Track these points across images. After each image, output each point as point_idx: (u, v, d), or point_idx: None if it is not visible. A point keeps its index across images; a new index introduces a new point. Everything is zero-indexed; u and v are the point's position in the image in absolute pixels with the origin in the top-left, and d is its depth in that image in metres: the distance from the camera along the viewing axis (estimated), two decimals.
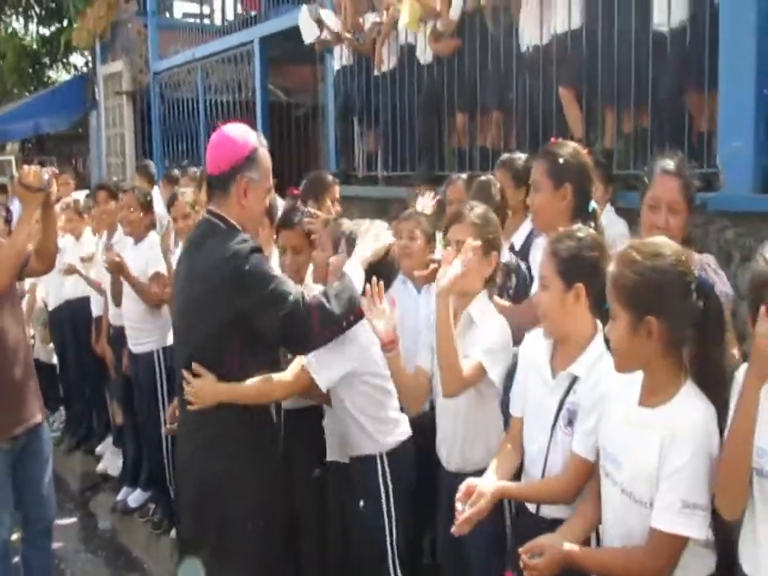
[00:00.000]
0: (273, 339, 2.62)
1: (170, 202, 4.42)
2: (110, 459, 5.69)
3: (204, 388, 2.56)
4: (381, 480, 2.79)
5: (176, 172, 6.55)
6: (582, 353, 2.22)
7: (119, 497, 5.12)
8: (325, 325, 2.53)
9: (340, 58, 6.79)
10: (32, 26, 16.46)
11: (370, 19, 6.37)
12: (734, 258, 4.06)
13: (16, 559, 3.77)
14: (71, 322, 5.89)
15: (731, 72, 3.94)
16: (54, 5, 14.43)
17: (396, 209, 4.55)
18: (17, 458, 3.49)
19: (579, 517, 2.11)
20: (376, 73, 6.33)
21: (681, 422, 1.84)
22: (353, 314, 2.59)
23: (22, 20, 16.46)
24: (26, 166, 3.41)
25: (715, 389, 1.87)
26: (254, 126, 8.18)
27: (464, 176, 4.21)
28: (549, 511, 2.27)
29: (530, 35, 5.07)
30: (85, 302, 5.69)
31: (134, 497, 5.02)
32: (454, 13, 5.47)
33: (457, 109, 5.66)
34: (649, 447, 1.86)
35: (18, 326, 3.52)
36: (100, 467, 5.78)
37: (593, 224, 2.68)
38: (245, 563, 2.62)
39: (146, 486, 4.95)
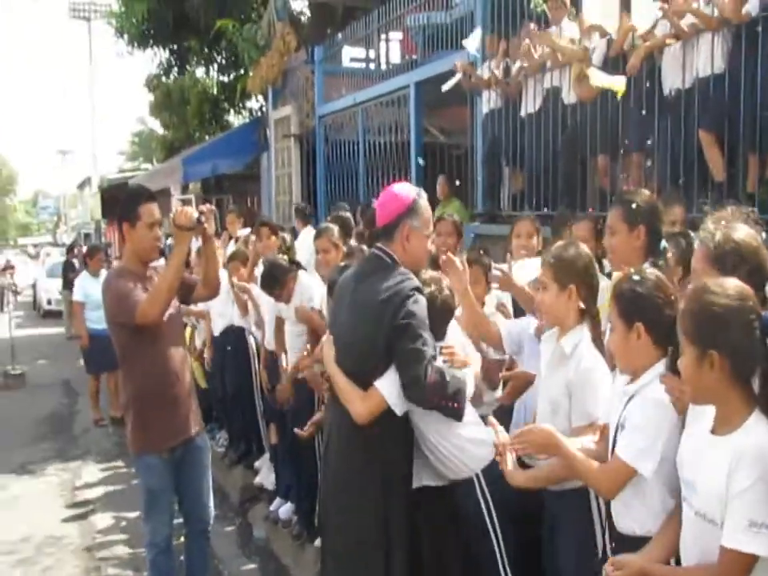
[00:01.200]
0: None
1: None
2: (266, 474, 6.18)
3: None
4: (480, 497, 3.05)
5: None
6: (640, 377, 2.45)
7: (271, 508, 5.58)
8: (435, 394, 2.90)
9: (488, 101, 7.10)
10: (213, 74, 17.86)
11: (518, 64, 6.65)
12: None
13: (181, 558, 4.27)
14: (233, 347, 6.49)
15: None
16: (232, 54, 15.60)
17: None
18: (177, 466, 3.93)
19: (660, 540, 2.27)
20: (522, 114, 6.57)
21: (748, 447, 1.96)
22: (458, 402, 2.94)
23: (203, 69, 17.90)
24: (178, 207, 3.89)
25: None
26: (408, 166, 8.69)
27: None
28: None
29: (672, 78, 5.17)
30: (243, 330, 6.30)
31: (284, 509, 5.45)
32: (596, 59, 5.65)
33: (599, 150, 5.80)
34: (719, 471, 1.99)
35: (179, 346, 3.99)
36: (257, 480, 6.29)
37: (662, 262, 2.92)
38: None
39: (295, 500, 5.37)
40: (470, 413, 3.14)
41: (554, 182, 6.26)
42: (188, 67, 17.93)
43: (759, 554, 1.94)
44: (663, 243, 3.11)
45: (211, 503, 4.20)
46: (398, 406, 2.98)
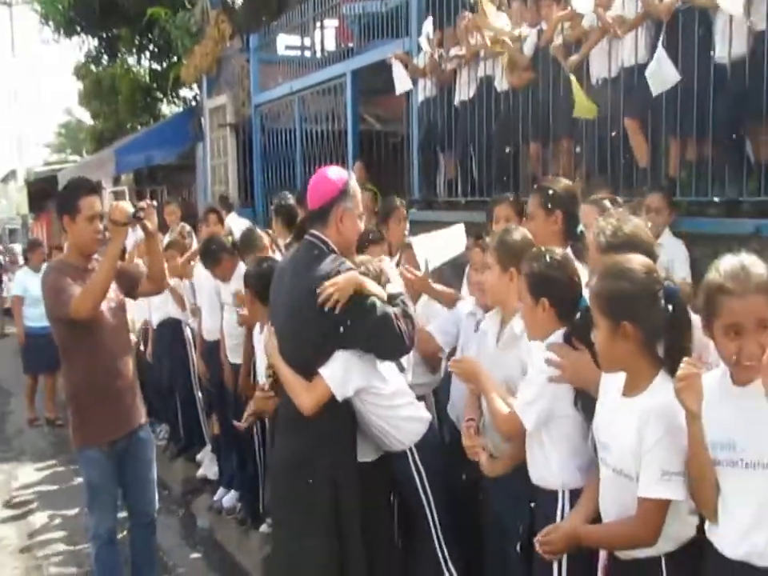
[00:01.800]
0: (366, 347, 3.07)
1: None
2: (208, 465, 6.19)
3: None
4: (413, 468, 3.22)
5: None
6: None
7: (215, 498, 5.61)
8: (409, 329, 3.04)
9: (423, 89, 7.18)
10: (145, 62, 17.55)
11: (453, 52, 6.74)
12: None
13: (125, 550, 4.27)
14: (170, 339, 6.47)
15: None
16: (164, 42, 15.36)
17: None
18: (120, 459, 3.94)
19: (583, 504, 2.48)
20: (456, 102, 6.68)
21: (655, 406, 2.16)
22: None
23: (135, 57, 17.56)
24: (113, 203, 3.88)
25: None
26: (345, 154, 8.71)
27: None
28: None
29: (599, 68, 5.32)
30: (180, 322, 6.30)
31: (228, 497, 5.50)
32: (527, 49, 5.77)
33: (531, 137, 5.94)
34: (631, 429, 2.18)
35: (121, 340, 3.98)
36: (200, 473, 6.30)
37: (581, 245, 3.08)
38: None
39: (239, 488, 5.41)
40: (406, 393, 3.26)
41: (487, 168, 6.39)
42: (118, 55, 17.58)
43: (673, 499, 2.13)
44: (581, 227, 3.27)
45: (155, 496, 4.21)
46: (341, 393, 3.06)
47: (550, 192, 3.26)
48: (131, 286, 4.08)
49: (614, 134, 5.11)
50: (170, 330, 6.46)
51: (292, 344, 3.13)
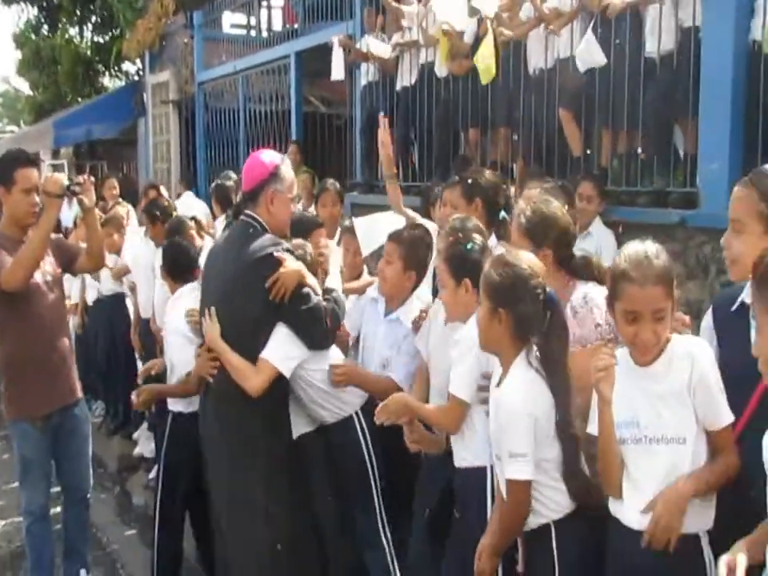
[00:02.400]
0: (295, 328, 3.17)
1: None
2: (145, 443, 6.19)
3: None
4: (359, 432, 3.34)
5: None
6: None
7: (150, 475, 5.62)
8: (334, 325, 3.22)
9: (366, 74, 7.24)
10: (87, 34, 17.15)
11: (395, 39, 6.81)
12: (711, 271, 4.40)
13: (58, 526, 4.28)
14: (108, 317, 6.45)
15: (710, 100, 4.29)
16: (107, 14, 15.05)
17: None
18: (55, 434, 3.91)
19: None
20: (398, 88, 6.75)
21: (502, 395, 2.37)
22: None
23: (76, 28, 17.15)
24: (47, 174, 3.83)
25: (552, 375, 2.36)
26: (289, 135, 8.69)
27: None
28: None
29: (536, 58, 5.46)
30: (119, 298, 6.27)
31: None
32: (467, 37, 5.87)
33: (470, 124, 6.06)
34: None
35: (57, 314, 3.93)
36: (136, 451, 6.30)
37: (504, 232, 3.24)
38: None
39: None
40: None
41: (428, 154, 6.49)
42: (59, 26, 17.14)
43: (521, 479, 2.32)
44: (503, 214, 3.41)
45: (89, 472, 4.21)
46: (287, 368, 3.16)
47: (470, 182, 3.43)
48: (69, 261, 4.03)
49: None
50: (108, 306, 6.43)
51: (230, 322, 3.17)
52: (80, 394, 4.10)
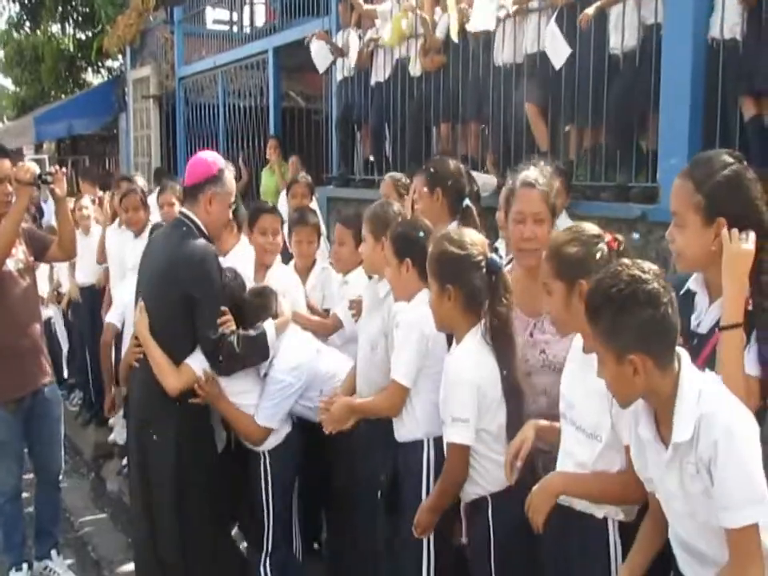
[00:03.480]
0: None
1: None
2: (120, 431, 6.23)
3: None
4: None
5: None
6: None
7: (124, 462, 5.68)
8: (229, 362, 3.27)
9: (342, 69, 7.33)
10: (69, 30, 17.15)
11: (369, 34, 6.91)
12: (670, 263, 4.51)
13: (30, 509, 4.36)
14: (88, 306, 6.51)
15: (670, 96, 4.39)
16: (89, 11, 15.05)
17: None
18: (26, 417, 4.03)
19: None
20: (372, 83, 6.85)
21: (450, 362, 2.55)
22: (260, 356, 3.34)
23: (58, 25, 17.14)
24: (20, 163, 3.95)
25: (498, 338, 2.51)
26: (267, 130, 8.74)
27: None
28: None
29: (505, 54, 5.56)
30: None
31: None
32: (440, 32, 5.97)
33: (441, 119, 6.16)
34: None
35: (28, 301, 4.04)
36: (111, 437, 6.35)
37: (469, 219, 3.36)
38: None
39: None
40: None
41: (401, 148, 6.58)
42: (41, 23, 17.13)
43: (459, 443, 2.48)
44: (466, 202, 3.50)
45: (61, 454, 4.32)
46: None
47: (432, 170, 3.53)
48: (41, 250, 4.14)
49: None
50: (87, 294, 6.50)
51: (155, 316, 3.32)
52: (50, 377, 4.20)
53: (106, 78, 16.74)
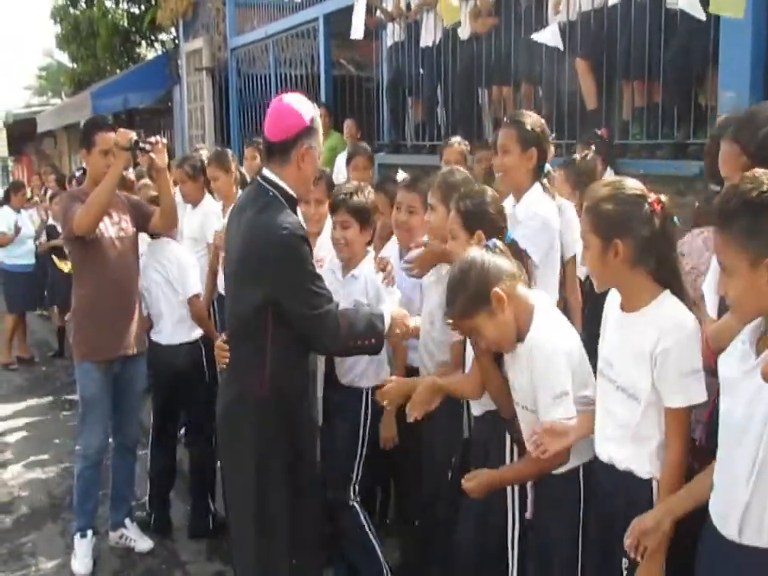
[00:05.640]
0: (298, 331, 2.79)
1: None
2: None
3: None
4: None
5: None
6: None
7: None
8: (351, 337, 2.82)
9: (392, 34, 7.23)
10: (123, 5, 17.30)
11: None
12: None
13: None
14: None
15: (730, 50, 4.22)
16: None
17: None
18: (115, 381, 4.19)
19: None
20: (422, 46, 6.74)
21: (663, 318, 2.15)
22: (374, 339, 2.89)
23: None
24: (121, 130, 4.05)
25: (675, 285, 2.18)
26: (318, 99, 8.68)
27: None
28: None
29: (562, 11, 5.40)
30: None
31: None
32: None
33: (493, 82, 6.04)
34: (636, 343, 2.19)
35: (128, 270, 4.19)
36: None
37: (547, 183, 3.20)
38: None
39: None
40: None
41: (453, 112, 6.49)
42: None
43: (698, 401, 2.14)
44: (547, 166, 3.34)
45: (138, 426, 4.52)
46: None
47: (528, 128, 3.17)
48: (143, 220, 4.27)
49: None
50: None
51: (237, 295, 2.91)
52: (143, 349, 4.33)
53: (159, 52, 16.87)
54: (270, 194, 2.78)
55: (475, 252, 2.50)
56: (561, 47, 4.84)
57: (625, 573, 2.15)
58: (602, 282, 2.26)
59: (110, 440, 4.41)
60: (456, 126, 6.35)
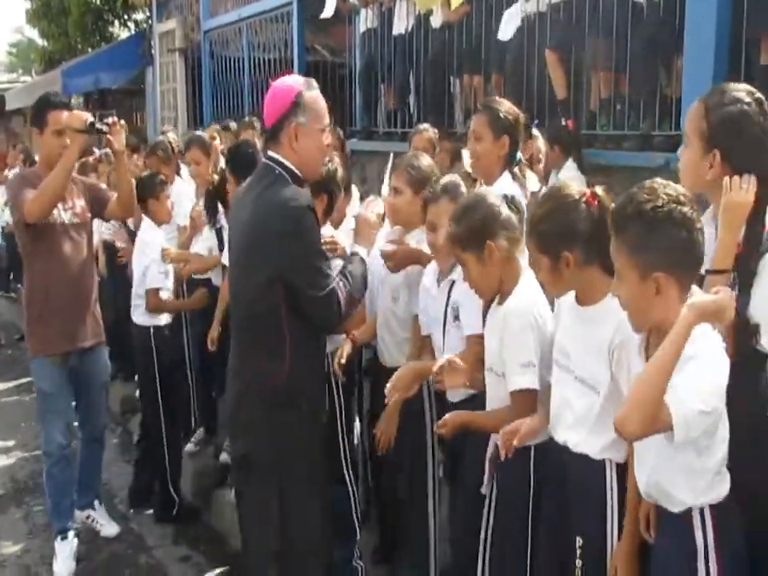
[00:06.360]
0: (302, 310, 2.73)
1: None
2: None
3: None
4: None
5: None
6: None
7: None
8: (348, 308, 2.79)
9: (365, 20, 7.22)
10: None
11: None
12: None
13: None
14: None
15: (694, 42, 4.26)
16: None
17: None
18: (75, 373, 4.02)
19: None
20: (395, 33, 6.74)
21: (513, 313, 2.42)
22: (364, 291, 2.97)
23: None
24: (75, 111, 3.89)
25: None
26: None
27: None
28: None
29: (529, 3, 5.43)
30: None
31: None
32: None
33: (464, 70, 6.05)
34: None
35: (82, 257, 3.98)
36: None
37: (519, 172, 3.21)
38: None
39: None
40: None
41: (424, 100, 6.50)
42: None
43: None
44: (519, 155, 3.35)
45: (104, 414, 4.38)
46: None
47: (501, 115, 3.17)
48: (100, 206, 4.08)
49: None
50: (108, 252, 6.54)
51: (241, 278, 2.84)
52: (99, 339, 4.15)
53: (132, 32, 16.65)
54: (277, 171, 2.74)
55: (494, 198, 2.51)
56: (519, 23, 4.88)
57: (579, 552, 2.20)
58: (560, 292, 2.33)
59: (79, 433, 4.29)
60: (428, 113, 6.36)
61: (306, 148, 2.73)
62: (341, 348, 3.30)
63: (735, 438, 1.95)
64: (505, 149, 3.19)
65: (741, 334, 2.03)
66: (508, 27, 5.33)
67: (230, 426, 2.98)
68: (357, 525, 3.47)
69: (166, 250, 4.52)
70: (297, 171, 2.74)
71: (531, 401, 2.43)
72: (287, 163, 2.74)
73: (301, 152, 2.73)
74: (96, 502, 4.43)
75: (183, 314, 5.03)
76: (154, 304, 4.49)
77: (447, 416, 2.56)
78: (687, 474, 1.90)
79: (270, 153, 2.78)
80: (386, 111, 7.25)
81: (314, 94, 2.76)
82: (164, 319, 4.61)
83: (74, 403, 4.22)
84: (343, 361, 3.23)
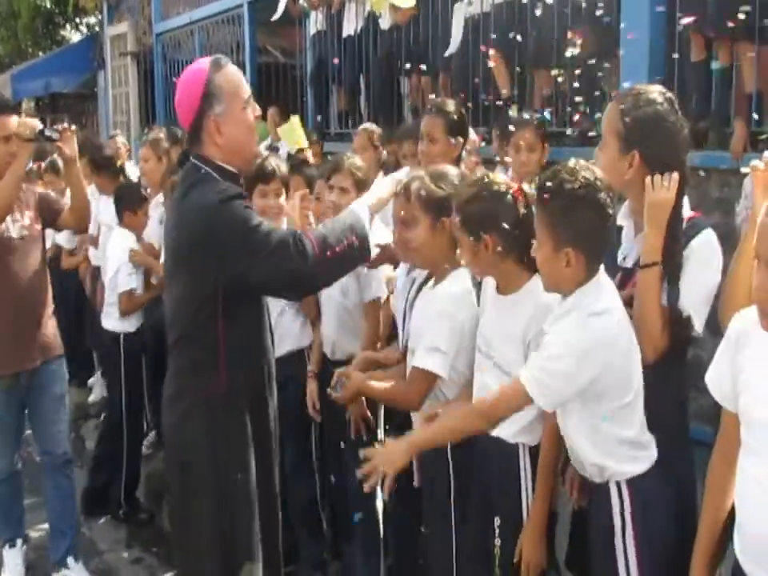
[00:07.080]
0: (267, 287, 2.51)
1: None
2: (99, 391, 6.32)
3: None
4: None
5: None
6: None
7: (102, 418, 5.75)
8: (324, 247, 2.38)
9: (315, 23, 7.25)
10: None
11: None
12: None
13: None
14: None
15: (631, 39, 4.36)
16: None
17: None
18: (25, 395, 3.73)
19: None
20: (344, 35, 6.78)
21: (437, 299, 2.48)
22: (355, 236, 2.44)
23: None
24: (23, 119, 3.66)
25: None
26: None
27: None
28: None
29: (473, 4, 5.51)
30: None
31: None
32: None
33: (412, 70, 6.12)
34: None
35: (32, 270, 3.69)
36: (91, 398, 6.43)
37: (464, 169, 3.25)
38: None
39: None
40: None
41: (374, 101, 6.56)
42: None
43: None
44: (463, 153, 3.45)
45: (66, 435, 3.94)
46: None
47: (455, 117, 3.28)
48: (52, 216, 3.83)
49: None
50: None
51: (175, 293, 2.57)
52: (56, 352, 3.84)
53: (84, 35, 16.49)
54: (203, 171, 2.47)
55: (486, 184, 2.37)
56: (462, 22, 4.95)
57: (497, 531, 2.29)
58: (480, 272, 2.42)
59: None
60: (377, 114, 6.41)
61: (233, 135, 2.46)
62: (308, 389, 3.40)
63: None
64: (458, 150, 3.32)
65: (675, 325, 2.13)
66: (454, 42, 5.39)
67: (170, 446, 2.69)
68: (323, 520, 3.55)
69: (133, 252, 4.53)
70: (227, 166, 2.49)
71: (427, 384, 2.46)
72: (215, 160, 2.47)
73: (228, 143, 2.46)
74: (70, 559, 3.92)
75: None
76: (127, 306, 4.51)
77: (348, 382, 2.64)
78: (590, 437, 2.01)
79: (195, 153, 2.51)
80: (337, 112, 7.29)
81: (223, 72, 2.46)
82: (134, 326, 4.62)
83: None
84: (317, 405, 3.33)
